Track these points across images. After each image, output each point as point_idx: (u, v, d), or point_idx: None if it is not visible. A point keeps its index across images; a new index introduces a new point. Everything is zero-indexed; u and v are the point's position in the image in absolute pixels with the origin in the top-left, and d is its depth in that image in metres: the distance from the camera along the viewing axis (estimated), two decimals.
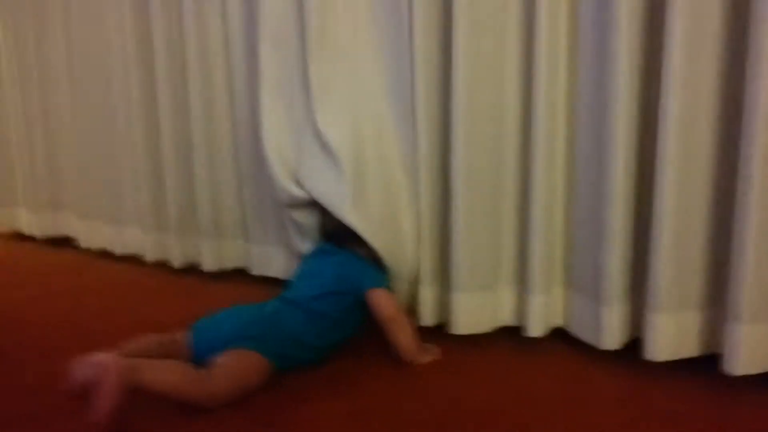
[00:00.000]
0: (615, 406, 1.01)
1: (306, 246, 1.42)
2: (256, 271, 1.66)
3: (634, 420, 0.97)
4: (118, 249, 1.97)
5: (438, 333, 1.29)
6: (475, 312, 1.25)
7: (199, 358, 1.10)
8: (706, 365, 1.10)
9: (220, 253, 1.72)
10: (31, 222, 2.24)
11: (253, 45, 1.46)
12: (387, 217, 1.26)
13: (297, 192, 1.35)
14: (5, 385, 1.14)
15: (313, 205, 1.36)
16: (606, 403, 1.02)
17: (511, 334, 1.27)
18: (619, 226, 1.09)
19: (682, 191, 1.04)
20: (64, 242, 2.18)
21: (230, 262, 1.74)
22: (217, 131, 1.63)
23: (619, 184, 1.08)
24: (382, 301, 1.17)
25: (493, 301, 1.26)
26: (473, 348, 1.24)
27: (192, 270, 1.81)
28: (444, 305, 1.28)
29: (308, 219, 1.39)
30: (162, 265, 1.88)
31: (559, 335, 1.25)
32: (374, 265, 1.26)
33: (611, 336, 1.14)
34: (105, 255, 2.02)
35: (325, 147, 1.28)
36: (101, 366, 0.97)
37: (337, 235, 1.30)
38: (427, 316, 1.31)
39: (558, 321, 1.25)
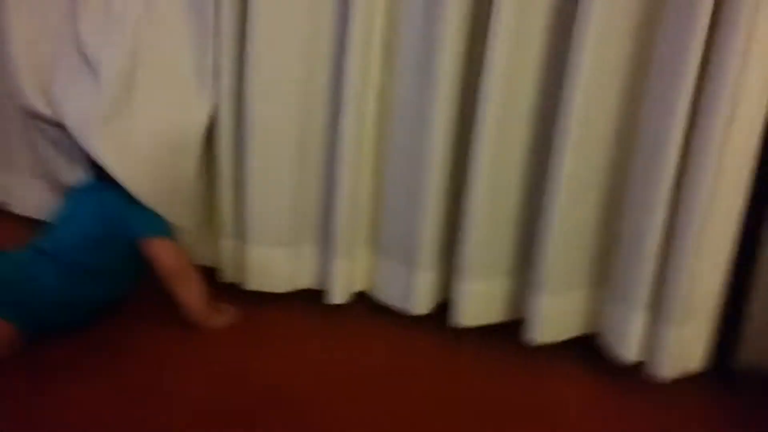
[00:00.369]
0: (418, 374, 0.96)
1: (73, 177, 1.17)
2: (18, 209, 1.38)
3: (437, 386, 0.92)
4: None
5: (238, 293, 1.15)
6: (272, 268, 1.13)
7: None
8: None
9: None
10: None
11: None
12: (159, 154, 1.03)
13: (42, 108, 1.11)
14: None
15: None
16: (409, 372, 0.96)
17: (315, 298, 1.16)
18: (434, 189, 1.03)
19: (497, 155, 1.00)
20: None
21: None
22: None
23: (437, 144, 1.01)
24: (161, 251, 0.99)
25: (293, 261, 1.14)
26: (272, 312, 1.13)
27: None
28: (241, 260, 1.14)
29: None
30: None
31: (365, 301, 1.17)
32: None
33: (420, 301, 1.09)
34: None
35: (85, 60, 1.05)
36: None
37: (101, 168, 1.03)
38: (226, 273, 1.16)
39: (363, 285, 1.17)
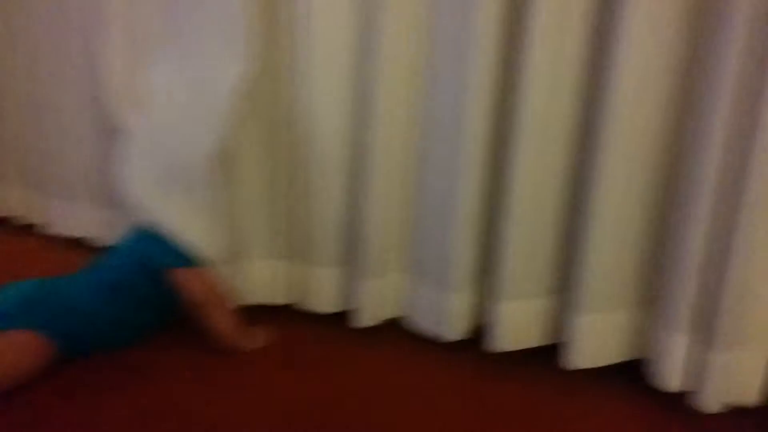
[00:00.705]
0: (452, 401, 0.93)
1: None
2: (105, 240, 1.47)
3: (472, 414, 0.89)
4: None
5: (270, 313, 1.16)
6: (308, 288, 1.15)
7: None
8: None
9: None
10: None
11: None
12: (174, 183, 1.06)
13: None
14: None
15: None
16: (443, 399, 0.94)
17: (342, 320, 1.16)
18: (467, 205, 1.00)
19: (534, 170, 0.96)
20: None
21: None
22: None
23: (470, 159, 0.98)
24: (184, 282, 1.02)
25: (327, 281, 1.15)
26: (304, 334, 1.13)
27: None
28: (275, 279, 1.17)
29: None
30: None
31: (399, 325, 1.15)
32: None
33: (454, 325, 1.06)
34: None
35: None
36: None
37: None
38: (260, 293, 1.19)
39: (396, 309, 1.15)
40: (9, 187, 1.67)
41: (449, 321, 1.06)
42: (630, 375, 0.99)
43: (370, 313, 1.12)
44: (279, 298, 1.20)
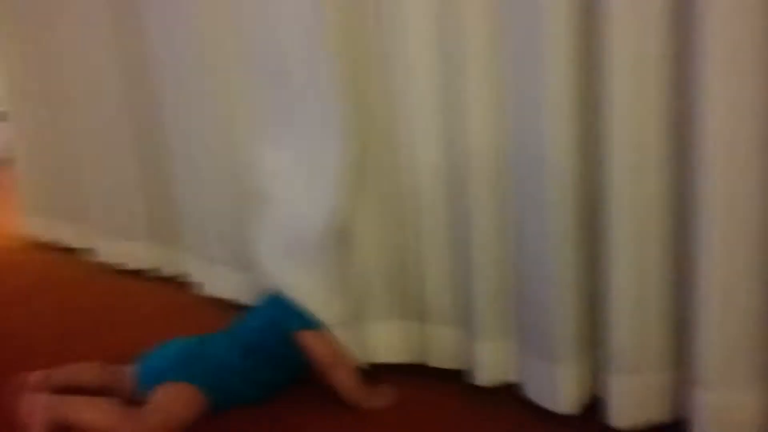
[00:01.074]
0: None
1: None
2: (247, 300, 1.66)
3: None
4: (133, 264, 2.04)
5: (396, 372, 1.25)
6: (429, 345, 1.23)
7: (142, 391, 1.13)
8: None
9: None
10: (64, 233, 2.36)
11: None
12: (301, 252, 1.20)
13: None
14: None
15: None
16: None
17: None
18: (567, 275, 1.03)
19: (636, 225, 0.96)
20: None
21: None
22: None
23: (565, 224, 1.01)
24: (310, 344, 1.14)
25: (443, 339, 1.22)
26: (428, 393, 1.21)
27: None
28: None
29: None
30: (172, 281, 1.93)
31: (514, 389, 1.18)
32: None
33: (565, 399, 1.07)
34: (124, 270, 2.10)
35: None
36: (29, 403, 1.02)
37: None
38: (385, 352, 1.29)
39: (509, 373, 1.18)
40: (169, 247, 1.92)
41: (557, 393, 1.07)
42: None
43: (487, 374, 1.17)
44: (400, 357, 1.29)
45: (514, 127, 1.04)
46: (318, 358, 1.13)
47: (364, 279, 1.27)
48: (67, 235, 2.36)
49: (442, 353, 1.24)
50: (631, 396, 1.01)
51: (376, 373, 1.25)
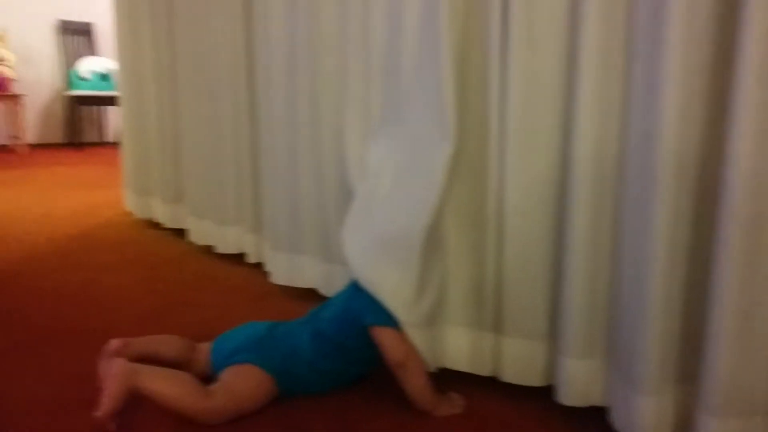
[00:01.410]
0: None
1: None
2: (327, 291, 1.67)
3: None
4: (222, 247, 2.10)
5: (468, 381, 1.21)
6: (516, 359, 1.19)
7: (215, 370, 1.15)
8: None
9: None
10: (160, 212, 2.48)
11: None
12: (388, 252, 1.15)
13: None
14: (62, 371, 1.27)
15: None
16: None
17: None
18: (662, 297, 0.94)
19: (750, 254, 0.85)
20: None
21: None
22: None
23: (665, 239, 0.92)
24: (386, 341, 1.11)
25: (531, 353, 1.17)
26: (500, 405, 1.17)
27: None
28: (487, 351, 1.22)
29: None
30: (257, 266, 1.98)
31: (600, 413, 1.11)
32: None
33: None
34: (212, 251, 2.17)
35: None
36: (106, 368, 1.05)
37: None
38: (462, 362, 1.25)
39: (596, 396, 1.11)
40: (257, 234, 1.97)
41: (643, 427, 0.98)
42: None
43: (571, 393, 1.10)
44: (471, 367, 1.24)
45: (629, 127, 0.98)
46: (391, 356, 1.11)
47: (450, 282, 1.24)
48: (162, 214, 2.48)
49: (517, 368, 1.18)
50: None
51: (446, 381, 1.21)
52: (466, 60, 1.16)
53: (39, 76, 5.72)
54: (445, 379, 1.22)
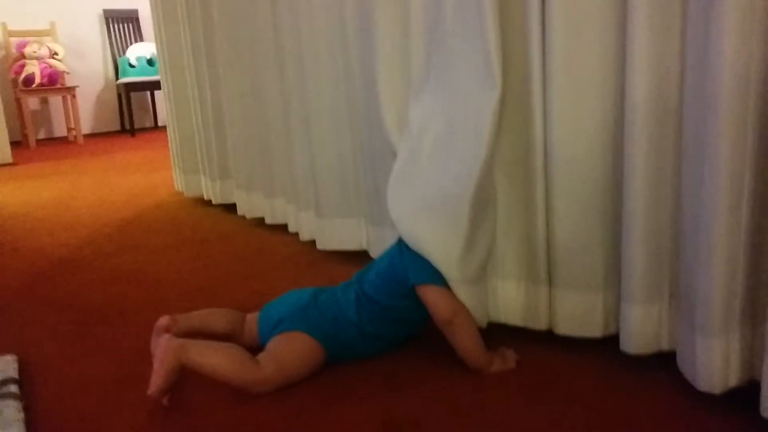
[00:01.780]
0: None
1: None
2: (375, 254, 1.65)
3: None
4: (269, 219, 2.11)
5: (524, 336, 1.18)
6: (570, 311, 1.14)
7: (263, 340, 1.15)
8: None
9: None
10: (209, 189, 2.51)
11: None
12: (434, 209, 1.11)
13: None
14: (120, 348, 1.30)
15: None
16: None
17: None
18: (725, 238, 0.87)
19: None
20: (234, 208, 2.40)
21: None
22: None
23: (727, 177, 0.86)
24: (432, 299, 1.08)
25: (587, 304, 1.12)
26: (559, 359, 1.13)
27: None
28: (540, 303, 1.18)
29: None
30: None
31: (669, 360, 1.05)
32: None
33: (715, 378, 0.93)
34: (262, 224, 2.18)
35: None
36: (157, 344, 1.06)
37: None
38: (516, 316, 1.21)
39: (663, 342, 1.05)
40: (301, 204, 1.96)
41: (709, 371, 0.93)
42: None
43: (637, 340, 1.05)
44: (532, 322, 1.20)
45: (687, 57, 0.91)
46: (438, 315, 1.08)
47: (501, 236, 1.20)
48: (211, 191, 2.51)
49: (574, 320, 1.14)
50: None
51: (499, 337, 1.18)
52: (505, 4, 1.10)
53: (89, 66, 5.86)
54: (498, 334, 1.19)
